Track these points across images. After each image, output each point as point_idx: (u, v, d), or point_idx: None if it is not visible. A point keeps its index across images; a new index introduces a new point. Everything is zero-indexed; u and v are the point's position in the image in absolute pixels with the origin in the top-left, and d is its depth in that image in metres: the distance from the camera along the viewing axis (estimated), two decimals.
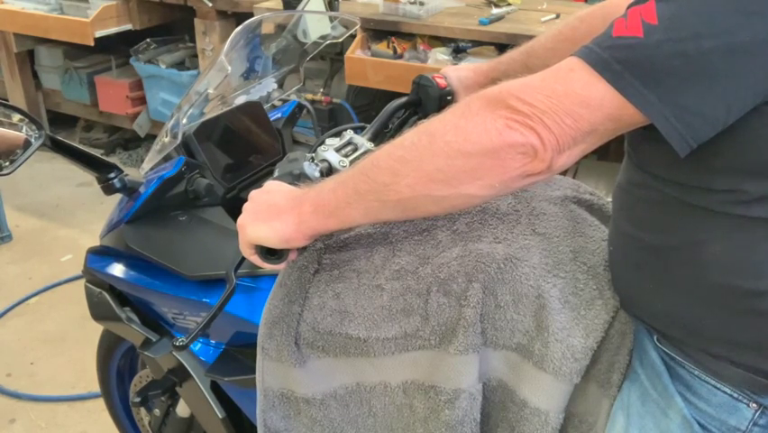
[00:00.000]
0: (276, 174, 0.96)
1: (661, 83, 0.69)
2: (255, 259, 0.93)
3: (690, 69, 0.68)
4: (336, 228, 0.90)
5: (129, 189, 1.18)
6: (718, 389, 0.81)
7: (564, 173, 1.10)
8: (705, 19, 0.67)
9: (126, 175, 1.18)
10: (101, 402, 1.72)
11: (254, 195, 0.93)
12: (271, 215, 0.89)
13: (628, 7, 0.72)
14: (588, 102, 0.72)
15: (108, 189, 1.16)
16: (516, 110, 0.73)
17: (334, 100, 2.75)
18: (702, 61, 0.67)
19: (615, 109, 0.71)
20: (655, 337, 0.87)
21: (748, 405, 0.80)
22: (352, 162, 1.07)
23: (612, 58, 0.70)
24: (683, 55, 0.67)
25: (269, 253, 0.91)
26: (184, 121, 1.12)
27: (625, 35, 0.70)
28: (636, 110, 0.70)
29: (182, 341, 0.92)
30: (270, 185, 0.94)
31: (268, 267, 0.93)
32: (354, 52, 2.50)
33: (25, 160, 1.06)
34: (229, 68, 1.07)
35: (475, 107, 0.77)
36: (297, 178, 0.95)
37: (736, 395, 0.80)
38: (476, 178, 0.77)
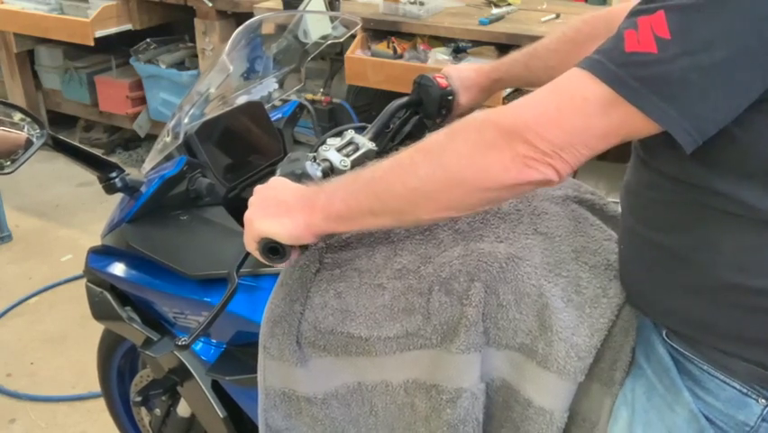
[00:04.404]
0: (278, 173, 0.96)
1: (678, 96, 0.69)
2: (258, 254, 0.93)
3: (706, 81, 0.68)
4: (347, 231, 0.94)
5: (130, 189, 1.18)
6: (727, 384, 0.81)
7: None
8: (716, 28, 0.67)
9: (128, 174, 1.18)
10: (101, 402, 1.72)
11: (260, 190, 0.94)
12: (281, 211, 0.90)
13: (634, 15, 0.71)
14: (607, 133, 0.73)
15: (110, 189, 1.16)
16: (534, 147, 0.73)
17: (334, 100, 2.75)
18: (717, 72, 0.68)
19: (633, 127, 0.72)
20: (664, 333, 0.87)
21: (757, 400, 0.80)
22: (353, 162, 1.07)
23: (628, 75, 0.70)
24: (699, 68, 0.68)
25: (272, 252, 0.91)
26: (185, 120, 1.12)
27: (638, 51, 0.70)
28: (654, 123, 0.71)
29: (184, 340, 0.92)
30: (276, 181, 0.94)
31: (270, 264, 0.94)
32: (354, 52, 2.50)
33: (27, 159, 1.06)
34: (231, 67, 1.07)
35: (489, 137, 0.76)
36: (299, 177, 0.95)
37: (745, 390, 0.81)
38: (492, 203, 0.83)
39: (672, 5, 0.69)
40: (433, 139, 0.82)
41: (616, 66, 0.71)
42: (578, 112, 0.73)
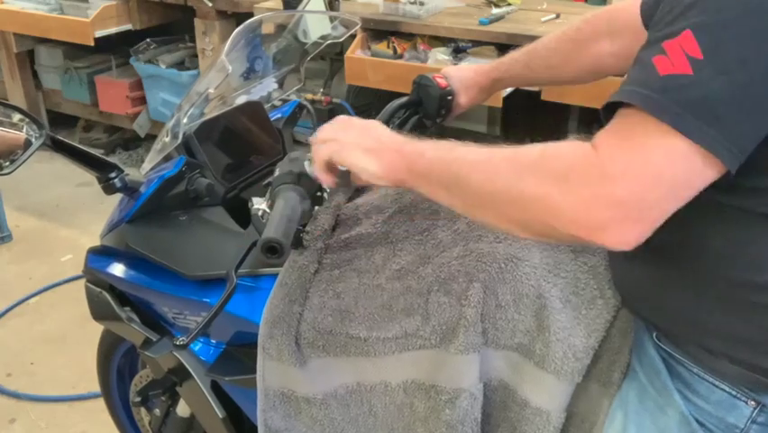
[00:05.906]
0: (277, 173, 0.96)
1: (720, 117, 0.66)
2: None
3: (746, 99, 0.66)
4: (418, 191, 0.86)
5: (130, 189, 1.18)
6: (717, 387, 0.81)
7: None
8: (747, 43, 0.65)
9: (127, 175, 1.18)
10: (101, 402, 1.72)
11: (354, 121, 0.89)
12: (374, 148, 0.85)
13: (655, 42, 0.68)
14: (689, 183, 0.69)
15: (109, 189, 1.16)
16: (623, 204, 0.68)
17: (334, 100, 2.73)
18: (755, 88, 0.66)
19: (695, 162, 0.67)
20: (655, 335, 0.87)
21: (747, 403, 0.80)
22: None
23: (670, 100, 0.66)
24: (738, 86, 0.65)
25: (271, 252, 0.89)
26: (185, 120, 1.12)
27: (674, 73, 0.66)
28: (704, 150, 0.66)
29: (182, 340, 0.92)
30: (367, 121, 0.90)
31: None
32: (354, 52, 2.50)
33: (26, 159, 1.06)
34: (230, 67, 1.07)
35: (575, 182, 0.69)
36: (298, 177, 0.95)
37: (734, 393, 0.81)
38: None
39: (698, 24, 0.66)
40: (526, 152, 0.76)
41: (655, 92, 0.67)
42: (655, 161, 0.67)
